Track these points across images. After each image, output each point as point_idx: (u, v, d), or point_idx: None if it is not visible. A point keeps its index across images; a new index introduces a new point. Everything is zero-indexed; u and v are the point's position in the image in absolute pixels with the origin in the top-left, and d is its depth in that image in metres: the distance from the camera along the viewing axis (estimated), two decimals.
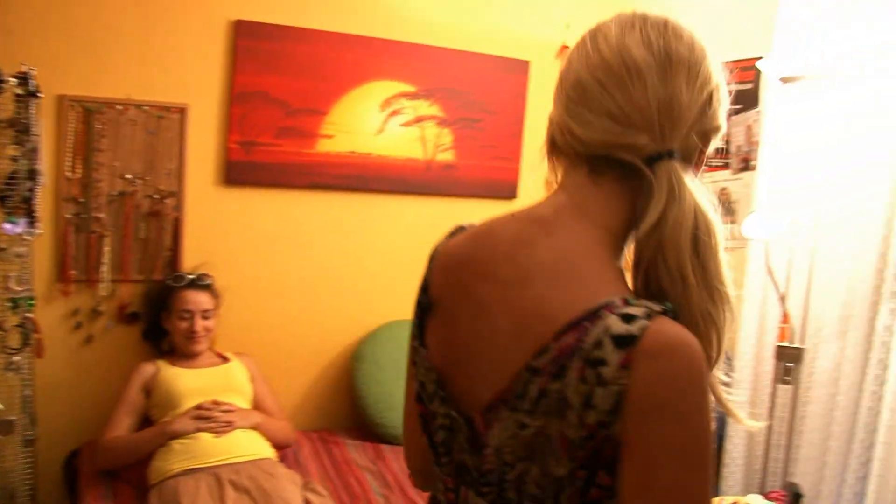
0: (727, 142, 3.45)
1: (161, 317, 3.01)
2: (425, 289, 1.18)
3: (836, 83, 2.76)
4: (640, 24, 1.00)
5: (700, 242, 0.97)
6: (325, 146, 3.34)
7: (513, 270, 1.02)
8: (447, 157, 3.62)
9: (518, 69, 3.70)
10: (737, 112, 3.39)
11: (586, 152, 1.04)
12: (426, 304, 1.16)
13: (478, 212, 3.68)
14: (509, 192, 3.80)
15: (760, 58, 2.93)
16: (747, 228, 2.74)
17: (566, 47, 3.80)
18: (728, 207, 3.46)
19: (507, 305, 1.01)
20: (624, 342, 0.88)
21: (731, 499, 2.75)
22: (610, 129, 0.99)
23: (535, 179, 3.84)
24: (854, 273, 2.73)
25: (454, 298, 1.11)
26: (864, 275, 2.70)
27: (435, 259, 1.19)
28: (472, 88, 3.61)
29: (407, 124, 3.51)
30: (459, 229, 1.20)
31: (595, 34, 1.03)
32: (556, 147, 1.12)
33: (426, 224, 3.64)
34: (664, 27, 1.00)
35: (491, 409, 0.99)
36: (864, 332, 2.71)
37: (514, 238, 1.06)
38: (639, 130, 0.97)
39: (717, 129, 1.04)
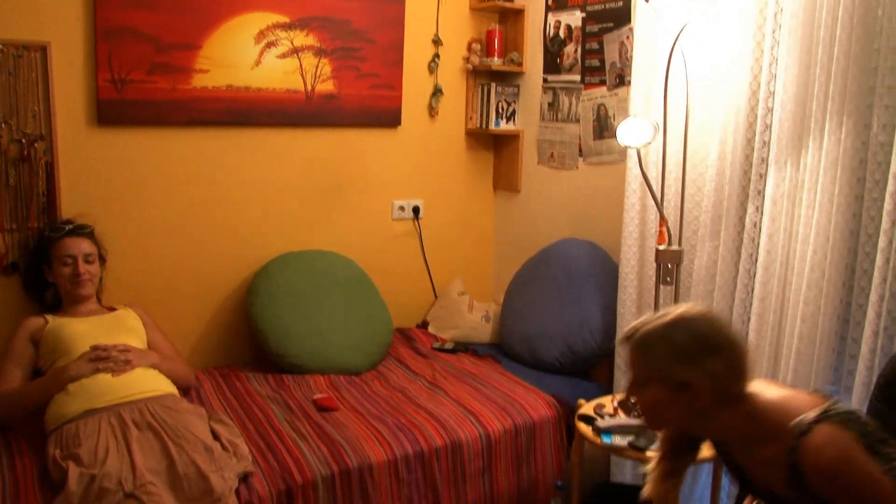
0: (602, 59, 3.55)
1: (43, 271, 2.92)
2: None
3: None
4: None
5: None
6: (201, 81, 3.26)
7: None
8: (328, 87, 3.59)
9: None
10: (610, 30, 3.49)
11: None
12: None
13: (363, 141, 3.75)
14: (393, 121, 3.82)
15: None
16: (621, 136, 2.84)
17: None
18: (605, 123, 3.58)
19: None
20: None
21: (622, 396, 2.91)
22: None
23: (418, 107, 3.86)
24: (722, 175, 2.89)
25: None
26: (731, 177, 2.86)
27: None
28: (348, 17, 3.57)
29: (283, 56, 3.45)
30: None
31: None
32: None
33: (311, 156, 3.63)
34: None
35: None
36: (734, 230, 2.88)
37: None
38: None
39: None
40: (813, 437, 1.53)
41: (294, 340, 3.30)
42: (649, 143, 2.82)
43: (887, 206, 2.40)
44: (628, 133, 2.83)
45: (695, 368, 1.67)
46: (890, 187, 2.39)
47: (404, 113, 3.85)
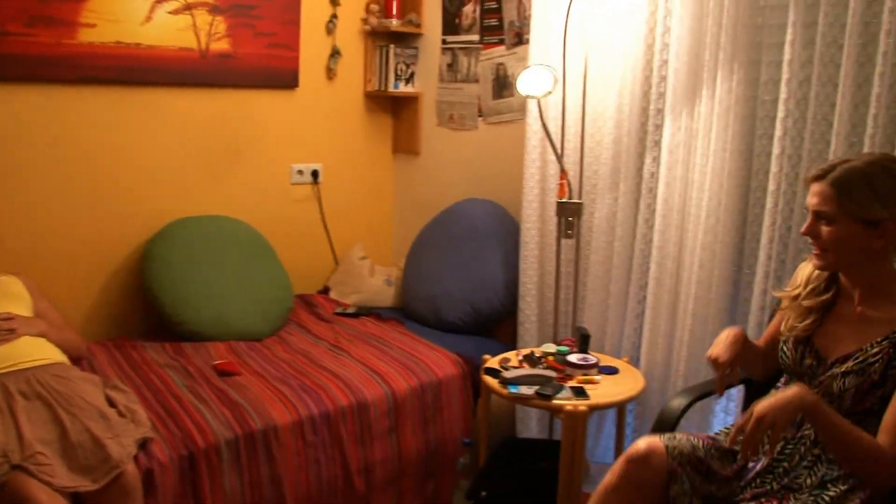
0: (500, 19, 3.55)
1: None
2: None
3: None
4: None
5: None
6: (87, 36, 3.09)
7: None
8: (222, 45, 3.47)
9: None
10: None
11: None
12: None
13: (260, 103, 3.65)
14: (290, 82, 3.73)
15: None
16: (522, 85, 2.84)
17: None
18: (504, 82, 3.58)
19: None
20: None
21: (526, 350, 2.93)
22: None
23: (316, 67, 3.78)
24: (620, 128, 2.93)
25: None
26: (629, 129, 2.90)
27: None
28: None
29: (176, 12, 3.32)
30: None
31: None
32: None
33: (205, 117, 3.50)
34: None
35: None
36: (633, 181, 2.93)
37: None
38: None
39: None
40: None
41: (192, 307, 3.20)
42: (550, 92, 2.83)
43: (775, 150, 2.48)
44: (529, 83, 2.83)
45: (890, 208, 1.77)
46: (777, 132, 2.47)
47: (302, 74, 3.76)
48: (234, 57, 3.50)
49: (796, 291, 2.01)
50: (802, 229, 1.90)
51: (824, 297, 1.97)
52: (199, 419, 2.50)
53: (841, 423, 1.73)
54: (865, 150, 2.28)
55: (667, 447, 1.95)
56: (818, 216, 1.85)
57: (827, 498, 1.81)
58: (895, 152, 2.22)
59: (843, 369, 1.84)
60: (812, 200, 1.86)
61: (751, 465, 2.01)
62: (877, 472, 1.72)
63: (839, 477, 1.83)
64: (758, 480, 1.95)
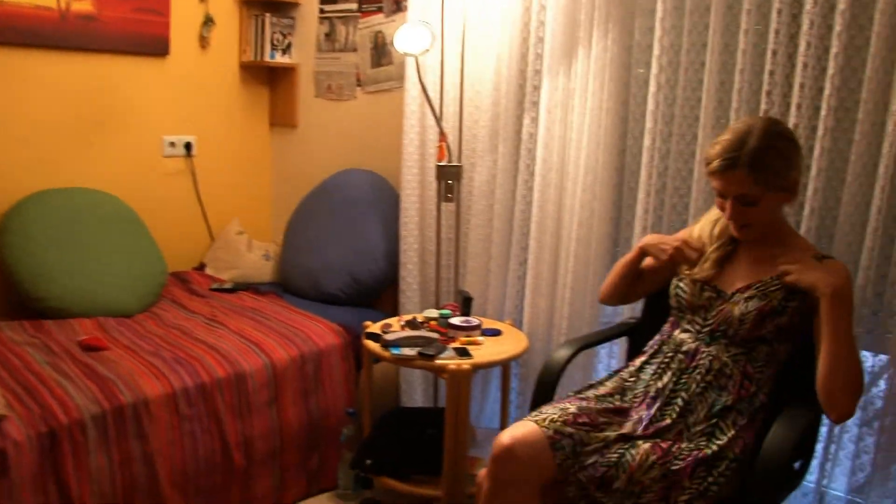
0: None
1: None
2: None
3: None
4: None
5: None
6: None
7: None
8: (85, 6, 3.26)
9: None
10: None
11: None
12: None
13: (128, 70, 3.46)
14: (160, 49, 3.56)
15: None
16: (399, 42, 2.79)
17: None
18: (383, 50, 3.53)
19: None
20: None
21: (408, 316, 2.89)
22: None
23: (188, 35, 3.62)
24: (498, 90, 2.92)
25: None
26: (507, 90, 2.89)
27: None
28: None
29: None
30: None
31: None
32: None
33: (69, 83, 3.30)
34: None
35: None
36: (512, 143, 2.93)
37: None
38: None
39: None
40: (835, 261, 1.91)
41: (54, 282, 3.00)
42: (427, 50, 2.78)
43: (650, 106, 2.51)
44: (406, 40, 2.78)
45: (797, 168, 1.90)
46: (651, 88, 2.51)
47: (173, 42, 3.60)
48: (97, 19, 3.31)
49: (700, 245, 2.11)
50: (729, 216, 1.94)
51: (730, 248, 2.07)
52: (61, 395, 2.34)
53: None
54: (734, 105, 2.34)
55: (536, 422, 1.94)
56: (741, 201, 1.89)
57: (714, 447, 1.88)
58: (760, 105, 2.28)
59: (745, 295, 1.95)
60: (730, 188, 1.89)
61: (634, 410, 2.04)
62: (854, 392, 1.81)
63: (727, 409, 1.92)
64: (657, 413, 1.98)
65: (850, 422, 2.27)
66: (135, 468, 2.39)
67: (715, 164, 1.89)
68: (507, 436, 1.91)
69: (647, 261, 2.24)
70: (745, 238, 2.00)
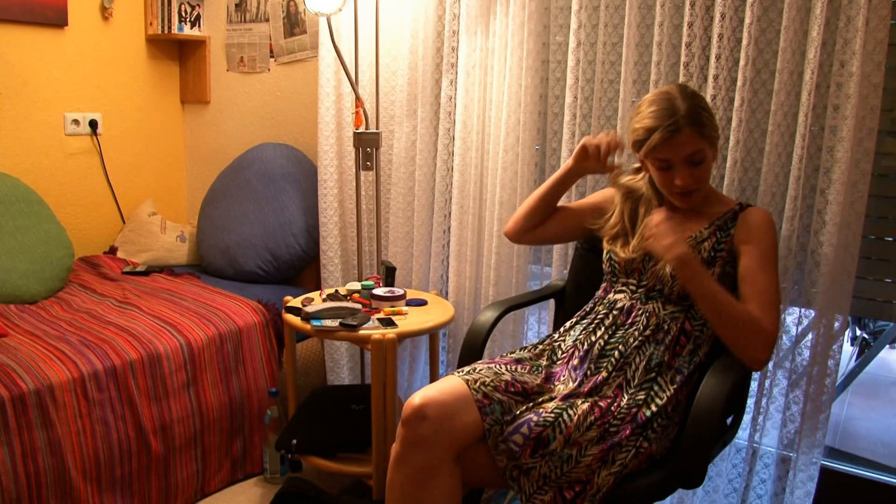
0: None
1: None
2: None
3: None
4: None
5: None
6: None
7: None
8: None
9: None
10: None
11: None
12: None
13: (22, 42, 3.26)
14: (57, 19, 3.34)
15: None
16: (310, 1, 2.67)
17: None
18: (296, 19, 3.40)
19: None
20: None
21: (330, 290, 2.79)
22: None
23: (89, 5, 3.44)
24: (415, 53, 2.83)
25: None
26: (424, 53, 2.81)
27: None
28: None
29: None
30: None
31: None
32: None
33: None
34: None
35: None
36: (431, 107, 2.84)
37: None
38: None
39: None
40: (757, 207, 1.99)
41: None
42: (340, 9, 2.67)
43: (570, 62, 2.46)
44: None
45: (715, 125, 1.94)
46: (571, 44, 2.45)
47: (71, 12, 3.39)
48: None
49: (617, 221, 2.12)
50: (682, 183, 1.91)
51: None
52: None
53: (716, 285, 1.83)
54: (654, 58, 2.30)
55: (467, 382, 1.84)
56: (690, 161, 1.89)
57: (654, 408, 1.84)
58: (681, 50, 2.26)
59: None
60: (678, 152, 1.88)
61: (562, 365, 1.99)
62: (754, 340, 1.81)
63: (666, 366, 1.90)
64: (592, 367, 1.94)
65: (779, 374, 2.27)
66: (40, 460, 2.24)
67: (656, 135, 1.86)
68: (418, 396, 1.80)
69: (565, 200, 2.25)
70: (690, 205, 1.99)
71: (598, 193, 2.27)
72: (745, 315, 1.82)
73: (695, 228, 1.98)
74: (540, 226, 2.25)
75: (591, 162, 2.09)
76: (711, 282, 1.83)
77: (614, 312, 2.01)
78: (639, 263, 2.02)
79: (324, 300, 2.67)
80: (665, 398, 1.85)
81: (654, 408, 1.84)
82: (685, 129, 1.85)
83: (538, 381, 1.96)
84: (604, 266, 2.13)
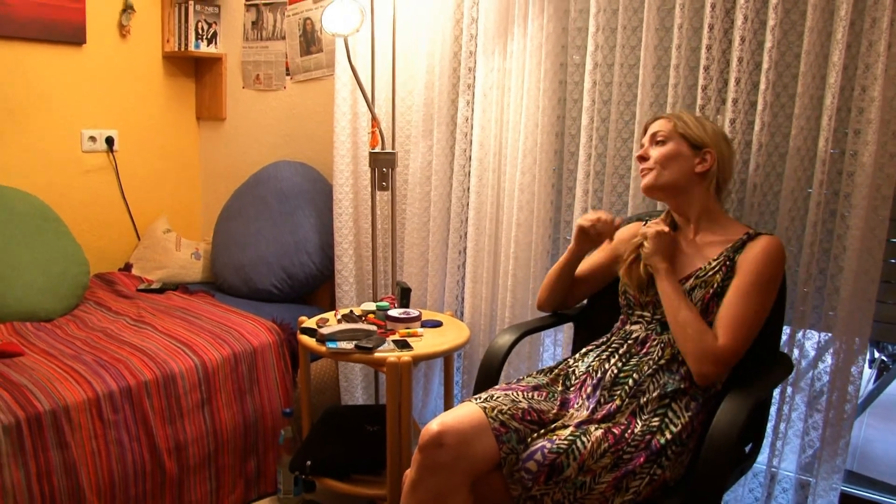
0: None
1: None
2: None
3: None
4: None
5: None
6: None
7: None
8: None
9: None
10: None
11: None
12: None
13: (41, 59, 3.27)
14: (76, 37, 3.37)
15: None
16: (327, 23, 2.67)
17: None
18: (312, 37, 3.41)
19: None
20: None
21: (345, 310, 2.78)
22: None
23: (106, 23, 3.46)
24: (432, 73, 2.83)
25: None
26: (440, 73, 2.81)
27: None
28: None
29: None
30: None
31: None
32: None
33: None
34: None
35: None
36: (447, 127, 2.84)
37: None
38: None
39: None
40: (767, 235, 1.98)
41: None
42: (357, 29, 2.67)
43: (587, 84, 2.45)
44: (334, 20, 2.66)
45: (711, 139, 2.02)
46: (588, 66, 2.44)
47: (90, 29, 3.42)
48: (6, 4, 3.11)
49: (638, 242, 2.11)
50: (638, 153, 2.07)
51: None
52: None
53: (686, 299, 1.91)
54: (671, 80, 2.30)
55: (484, 410, 1.83)
56: (654, 140, 2.04)
57: (668, 435, 1.82)
58: (699, 68, 2.25)
59: (688, 286, 1.95)
60: (650, 132, 2.07)
61: (574, 393, 1.97)
62: (703, 357, 1.83)
63: (680, 391, 1.88)
64: (605, 394, 1.92)
65: (798, 398, 2.25)
66: (56, 481, 2.23)
67: (647, 118, 2.17)
68: (436, 422, 1.79)
69: (583, 264, 2.27)
70: (648, 185, 2.06)
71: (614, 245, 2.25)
72: (699, 327, 1.85)
73: (704, 259, 1.99)
74: (570, 296, 2.31)
75: (592, 243, 2.19)
76: (678, 287, 1.93)
77: (629, 342, 2.00)
78: (652, 296, 2.01)
79: (339, 321, 2.66)
80: (680, 425, 1.83)
81: (668, 435, 1.82)
82: (663, 116, 2.07)
83: (555, 410, 1.94)
84: (620, 300, 2.14)
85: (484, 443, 1.79)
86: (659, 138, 2.03)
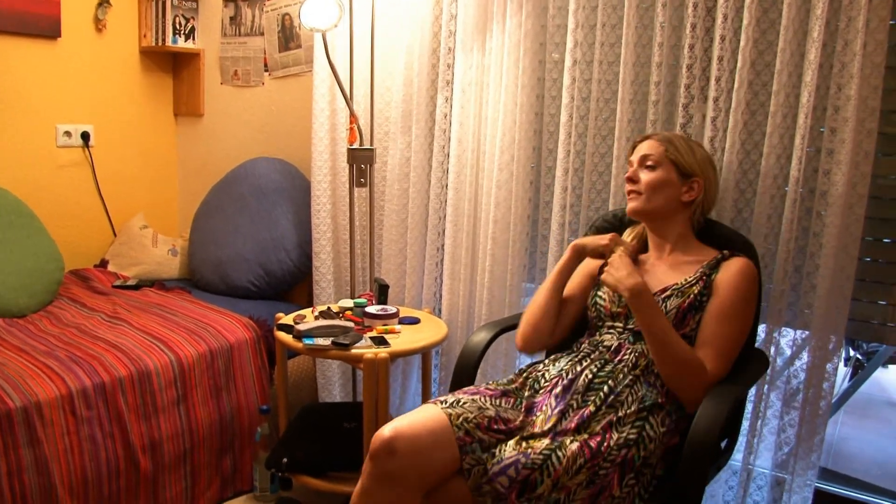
0: None
1: None
2: None
3: None
4: None
5: None
6: None
7: None
8: None
9: None
10: None
11: None
12: None
13: (14, 53, 3.23)
14: (50, 31, 3.33)
15: None
16: (305, 18, 2.66)
17: None
18: (291, 33, 3.39)
19: None
20: None
21: (322, 307, 2.77)
22: None
23: (82, 17, 3.43)
24: (410, 69, 2.82)
25: None
26: (419, 69, 2.80)
27: None
28: None
29: None
30: None
31: None
32: None
33: None
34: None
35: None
36: (426, 124, 2.84)
37: None
38: None
39: None
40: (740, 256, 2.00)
41: None
42: (335, 24, 2.66)
43: (566, 81, 2.45)
44: (312, 14, 2.65)
45: (700, 167, 2.04)
46: (567, 62, 2.44)
47: (65, 23, 3.37)
48: None
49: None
50: (627, 174, 2.05)
51: (642, 256, 2.14)
52: None
53: (666, 322, 1.86)
54: (653, 78, 2.30)
55: (449, 416, 1.75)
56: (644, 163, 2.03)
57: (644, 452, 1.77)
58: (681, 71, 2.25)
59: (663, 296, 1.94)
60: (640, 153, 2.05)
61: (542, 397, 1.93)
62: (692, 381, 1.82)
63: (658, 406, 1.84)
64: (578, 399, 1.85)
65: (773, 396, 2.26)
66: (27, 479, 2.20)
67: (636, 139, 2.11)
68: (389, 427, 1.70)
69: (569, 285, 2.18)
70: (635, 209, 2.05)
71: (587, 261, 2.20)
72: (689, 356, 1.83)
73: (681, 277, 1.99)
74: (557, 324, 2.15)
75: (589, 255, 2.15)
76: (662, 317, 1.86)
77: (601, 349, 1.97)
78: (624, 307, 1.99)
79: (316, 317, 2.64)
80: (657, 440, 1.79)
81: (643, 452, 1.77)
82: (653, 138, 2.06)
83: (521, 417, 1.88)
84: (589, 312, 2.10)
85: (442, 451, 1.71)
86: (649, 163, 2.02)
